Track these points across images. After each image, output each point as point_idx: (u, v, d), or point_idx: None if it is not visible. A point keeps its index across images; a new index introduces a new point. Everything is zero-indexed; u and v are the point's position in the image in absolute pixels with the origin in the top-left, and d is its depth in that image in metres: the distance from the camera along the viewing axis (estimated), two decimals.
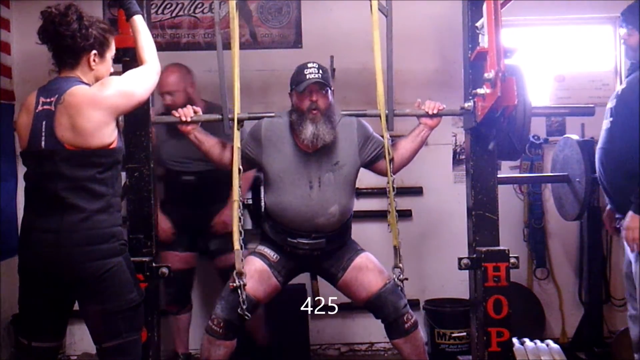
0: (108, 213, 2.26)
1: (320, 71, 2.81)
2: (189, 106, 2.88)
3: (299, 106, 2.82)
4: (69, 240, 2.18)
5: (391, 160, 2.84)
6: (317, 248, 2.91)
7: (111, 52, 2.39)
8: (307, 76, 2.78)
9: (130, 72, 2.38)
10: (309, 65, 2.82)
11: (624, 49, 3.01)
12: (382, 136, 2.88)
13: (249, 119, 2.90)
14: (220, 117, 2.86)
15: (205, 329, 2.86)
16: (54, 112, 2.20)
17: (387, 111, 2.83)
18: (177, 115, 2.86)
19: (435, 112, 2.88)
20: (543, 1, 4.21)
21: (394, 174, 2.88)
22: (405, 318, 2.87)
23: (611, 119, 2.94)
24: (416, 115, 2.93)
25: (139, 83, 2.35)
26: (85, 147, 2.20)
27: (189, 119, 2.84)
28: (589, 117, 3.50)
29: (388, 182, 2.82)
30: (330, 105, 2.84)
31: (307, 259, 2.98)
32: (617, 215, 3.06)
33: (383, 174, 2.92)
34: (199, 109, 2.89)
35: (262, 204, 3.95)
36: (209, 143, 2.93)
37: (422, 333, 2.96)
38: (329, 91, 2.85)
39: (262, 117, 2.94)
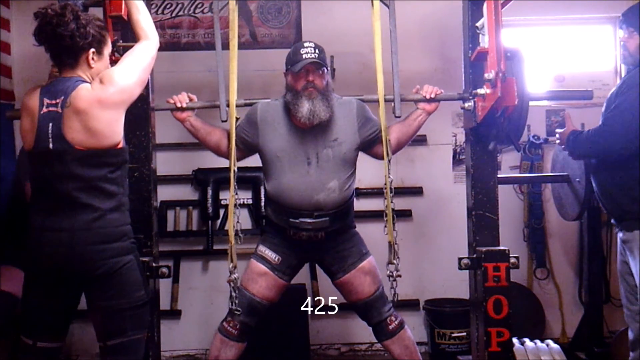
0: (120, 212, 2.27)
1: (317, 51, 2.76)
2: (183, 93, 2.86)
3: (294, 86, 2.78)
4: (83, 239, 2.19)
5: (388, 156, 2.80)
6: (320, 227, 2.83)
7: (108, 49, 2.37)
8: (304, 56, 2.74)
9: (127, 60, 2.31)
10: (305, 44, 2.78)
11: (622, 54, 2.94)
12: (381, 126, 2.82)
13: (245, 105, 2.87)
14: (216, 103, 2.84)
15: (219, 329, 2.86)
16: (61, 114, 2.20)
17: (393, 96, 2.81)
18: (171, 101, 2.84)
19: (432, 96, 2.86)
20: (543, 1, 4.21)
21: (389, 155, 2.80)
22: (388, 320, 2.88)
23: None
24: (414, 100, 2.89)
25: (138, 68, 2.31)
26: (97, 147, 2.20)
27: (184, 105, 2.83)
28: (589, 118, 3.50)
29: (385, 178, 2.78)
30: (327, 84, 2.81)
31: (311, 246, 2.92)
32: (612, 221, 3.05)
33: (379, 157, 2.86)
34: (194, 96, 2.87)
35: (262, 202, 3.98)
36: (205, 130, 2.90)
37: (409, 332, 2.95)
38: (326, 71, 2.81)
39: (257, 102, 2.91)
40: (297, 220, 2.82)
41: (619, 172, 2.83)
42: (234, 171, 2.77)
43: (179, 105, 2.83)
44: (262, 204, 4.00)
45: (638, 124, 2.72)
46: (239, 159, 2.86)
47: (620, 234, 2.94)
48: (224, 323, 2.86)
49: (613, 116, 2.79)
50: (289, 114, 2.83)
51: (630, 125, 2.73)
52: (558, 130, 3.14)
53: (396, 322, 2.89)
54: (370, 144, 2.91)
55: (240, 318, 2.82)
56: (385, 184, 2.76)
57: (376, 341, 4.21)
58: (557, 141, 3.15)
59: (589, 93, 3.09)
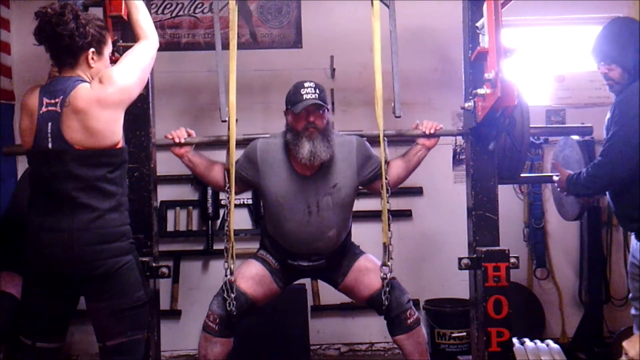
0: (119, 212, 2.27)
1: (317, 91, 2.76)
2: (181, 128, 2.87)
3: (295, 126, 2.78)
4: (82, 240, 2.19)
5: (386, 162, 2.82)
6: (317, 268, 2.94)
7: (108, 49, 2.37)
8: (304, 96, 2.74)
9: (127, 60, 2.31)
10: (306, 84, 2.78)
11: (607, 84, 2.88)
12: (379, 147, 2.82)
13: (244, 141, 2.87)
14: (213, 138, 2.87)
15: (202, 326, 2.86)
16: (60, 113, 2.19)
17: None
18: (169, 137, 2.85)
19: (432, 131, 2.87)
20: (543, 1, 4.21)
21: (389, 191, 2.83)
22: (408, 313, 2.87)
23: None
24: (413, 135, 2.92)
25: (138, 68, 2.30)
26: (96, 147, 2.20)
27: (182, 141, 2.83)
28: (590, 117, 3.50)
29: (382, 179, 2.80)
30: (327, 123, 2.81)
31: (308, 272, 3.04)
32: (632, 235, 3.03)
33: (378, 192, 2.87)
34: (192, 132, 2.87)
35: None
36: (204, 165, 2.91)
37: (424, 330, 2.96)
38: (326, 111, 2.82)
39: (257, 138, 2.92)
40: (294, 263, 2.90)
41: (635, 190, 2.81)
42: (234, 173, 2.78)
43: (177, 140, 2.83)
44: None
45: (634, 151, 2.67)
46: (237, 193, 2.86)
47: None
48: (205, 318, 2.85)
49: (609, 147, 2.74)
50: (289, 156, 2.83)
51: (627, 154, 2.69)
52: (555, 178, 3.14)
53: (414, 317, 2.89)
54: (371, 181, 2.94)
55: (219, 312, 2.79)
56: (382, 185, 2.79)
57: (376, 341, 4.29)
58: (558, 189, 3.16)
59: (588, 129, 3.15)
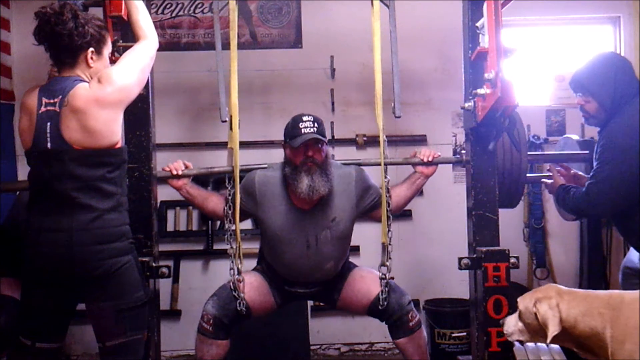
0: (118, 212, 2.27)
1: (316, 124, 2.76)
2: (179, 160, 2.87)
3: (293, 160, 2.78)
4: (82, 240, 2.18)
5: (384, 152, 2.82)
6: (314, 294, 2.98)
7: (108, 49, 2.37)
8: (303, 130, 2.73)
9: (126, 59, 2.31)
10: (304, 118, 2.78)
11: (582, 116, 2.93)
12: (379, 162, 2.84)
13: (241, 170, 2.85)
14: (211, 169, 2.88)
15: (197, 327, 2.86)
16: (58, 113, 2.19)
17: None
18: (167, 169, 2.85)
19: (430, 159, 2.90)
20: (543, 1, 4.21)
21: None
22: (410, 316, 2.86)
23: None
24: (412, 163, 2.94)
25: (137, 68, 2.30)
26: (95, 147, 2.19)
27: (179, 173, 2.84)
28: None
29: (382, 179, 2.81)
30: (326, 157, 2.81)
31: (305, 296, 3.10)
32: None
33: (378, 220, 2.86)
34: (189, 164, 2.89)
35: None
36: (201, 197, 2.92)
37: (424, 333, 2.97)
38: (325, 144, 2.81)
39: (255, 169, 2.92)
40: (291, 289, 2.94)
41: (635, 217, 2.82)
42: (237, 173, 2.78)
43: (174, 172, 2.84)
44: None
45: (618, 190, 2.71)
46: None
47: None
48: (200, 319, 2.85)
49: (591, 185, 2.77)
50: (287, 190, 2.83)
51: (610, 193, 2.72)
52: (545, 180, 3.19)
53: (416, 319, 2.89)
54: (370, 210, 2.95)
55: (213, 312, 2.79)
56: (382, 186, 2.80)
57: (376, 341, 4.28)
58: (547, 190, 3.23)
59: (587, 156, 3.20)
